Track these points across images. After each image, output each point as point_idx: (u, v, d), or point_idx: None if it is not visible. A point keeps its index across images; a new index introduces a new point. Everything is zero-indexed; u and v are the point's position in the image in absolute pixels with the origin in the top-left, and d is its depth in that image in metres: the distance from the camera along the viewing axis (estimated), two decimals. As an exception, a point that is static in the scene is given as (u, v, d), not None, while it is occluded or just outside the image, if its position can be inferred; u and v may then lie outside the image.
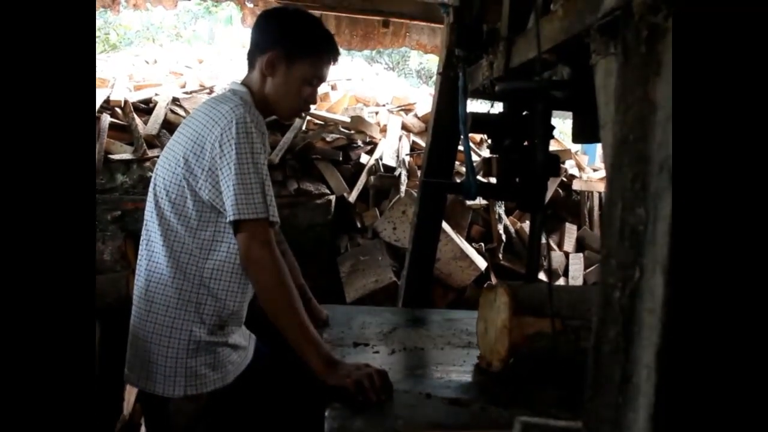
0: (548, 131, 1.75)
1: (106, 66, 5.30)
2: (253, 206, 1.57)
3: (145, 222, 1.77)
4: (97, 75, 4.73)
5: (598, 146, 5.82)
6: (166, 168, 1.70)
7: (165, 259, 1.68)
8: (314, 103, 1.81)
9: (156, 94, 4.41)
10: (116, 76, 4.72)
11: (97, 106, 4.10)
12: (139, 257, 1.77)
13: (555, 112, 1.71)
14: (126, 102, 4.20)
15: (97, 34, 10.36)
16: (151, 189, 1.75)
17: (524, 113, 1.70)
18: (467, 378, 1.64)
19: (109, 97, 4.25)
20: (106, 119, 3.99)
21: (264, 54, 1.71)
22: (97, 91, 4.34)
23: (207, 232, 1.65)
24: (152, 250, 1.72)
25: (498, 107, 1.83)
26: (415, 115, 4.90)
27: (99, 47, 9.98)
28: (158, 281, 1.68)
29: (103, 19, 9.92)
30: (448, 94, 2.29)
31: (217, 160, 1.59)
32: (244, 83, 1.77)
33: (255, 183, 1.57)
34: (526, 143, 1.71)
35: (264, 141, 1.64)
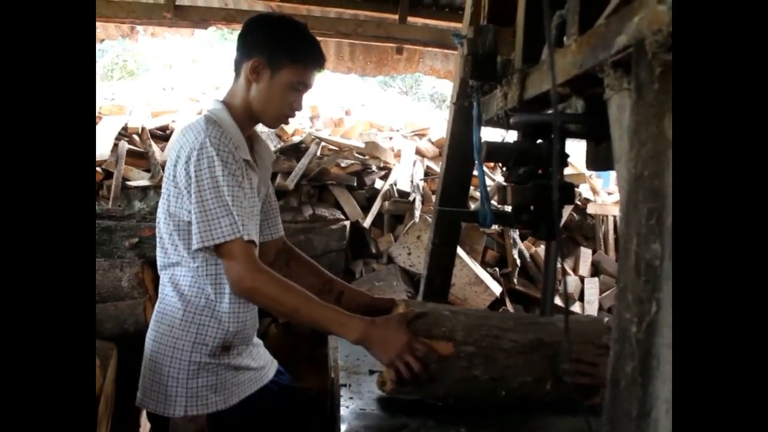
0: (563, 160, 1.76)
1: (124, 93, 5.38)
2: (219, 231, 1.56)
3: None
4: (115, 102, 4.82)
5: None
6: (162, 194, 1.73)
7: (169, 283, 1.71)
8: (299, 109, 1.77)
9: (173, 121, 4.48)
10: (134, 103, 4.80)
11: (115, 132, 4.17)
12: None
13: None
14: (143, 129, 4.27)
15: (116, 61, 10.54)
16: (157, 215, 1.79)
17: (539, 141, 1.70)
18: (483, 405, 1.63)
19: (127, 124, 4.32)
20: (124, 146, 4.06)
21: (249, 60, 1.70)
22: (115, 118, 4.41)
23: (201, 254, 1.65)
24: (162, 274, 1.75)
25: (512, 135, 1.84)
26: (429, 140, 4.93)
27: (117, 74, 10.15)
28: (167, 303, 1.71)
29: (121, 46, 10.09)
30: (462, 123, 2.30)
31: (183, 190, 1.62)
32: (224, 99, 1.78)
33: (217, 207, 1.56)
34: (540, 171, 1.71)
35: (238, 161, 1.63)
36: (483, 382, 1.55)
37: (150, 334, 1.74)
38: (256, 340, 1.88)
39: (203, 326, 1.67)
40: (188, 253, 1.66)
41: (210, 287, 1.67)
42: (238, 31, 1.80)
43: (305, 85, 1.74)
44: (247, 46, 1.73)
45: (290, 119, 1.81)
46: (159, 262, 1.76)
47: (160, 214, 1.72)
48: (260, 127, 4.46)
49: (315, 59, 1.75)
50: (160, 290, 1.77)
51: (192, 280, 1.68)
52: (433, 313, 1.62)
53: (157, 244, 1.75)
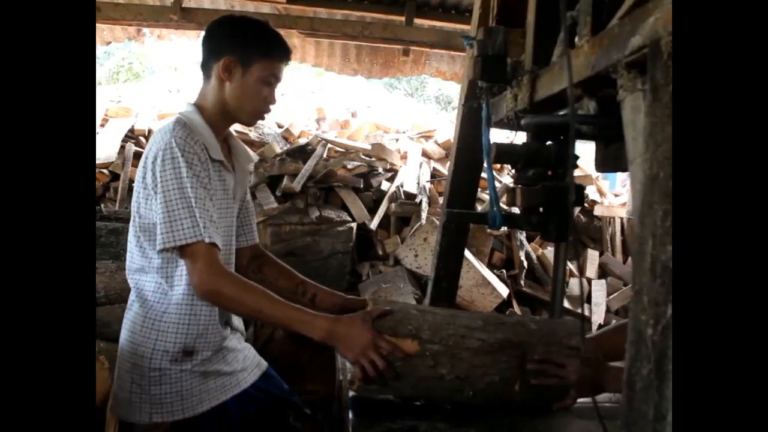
0: (573, 162, 1.75)
1: (131, 95, 5.40)
2: (181, 232, 1.56)
3: None
4: (122, 104, 4.83)
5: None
6: (133, 197, 1.74)
7: (135, 289, 1.72)
8: (273, 103, 1.79)
9: (179, 123, 4.49)
10: (140, 106, 4.81)
11: (122, 135, 4.18)
12: None
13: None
14: (150, 131, 4.29)
15: (122, 63, 10.57)
16: None
17: (548, 143, 1.70)
18: (491, 409, 1.62)
19: (133, 126, 4.33)
20: (131, 148, 4.07)
21: (219, 60, 1.71)
22: (122, 120, 4.43)
23: (166, 255, 1.65)
24: (129, 278, 1.75)
25: (520, 137, 1.83)
26: (435, 142, 4.92)
27: (123, 76, 10.18)
28: (132, 310, 1.72)
29: (127, 49, 10.12)
30: (471, 125, 2.29)
31: (152, 191, 1.62)
32: (196, 101, 1.79)
33: (181, 209, 1.57)
34: (549, 173, 1.71)
35: (204, 162, 1.63)
36: (449, 381, 1.54)
37: (120, 341, 1.74)
38: (234, 344, 1.81)
39: (163, 332, 1.66)
40: (156, 255, 1.65)
41: (173, 288, 1.66)
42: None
43: (276, 78, 1.77)
44: (215, 47, 1.75)
45: (265, 115, 1.82)
46: (126, 266, 1.75)
47: (135, 212, 1.71)
48: (266, 130, 4.45)
49: (283, 52, 1.77)
50: (129, 296, 1.77)
51: (156, 285, 1.67)
52: (400, 312, 1.61)
53: (127, 248, 1.75)
